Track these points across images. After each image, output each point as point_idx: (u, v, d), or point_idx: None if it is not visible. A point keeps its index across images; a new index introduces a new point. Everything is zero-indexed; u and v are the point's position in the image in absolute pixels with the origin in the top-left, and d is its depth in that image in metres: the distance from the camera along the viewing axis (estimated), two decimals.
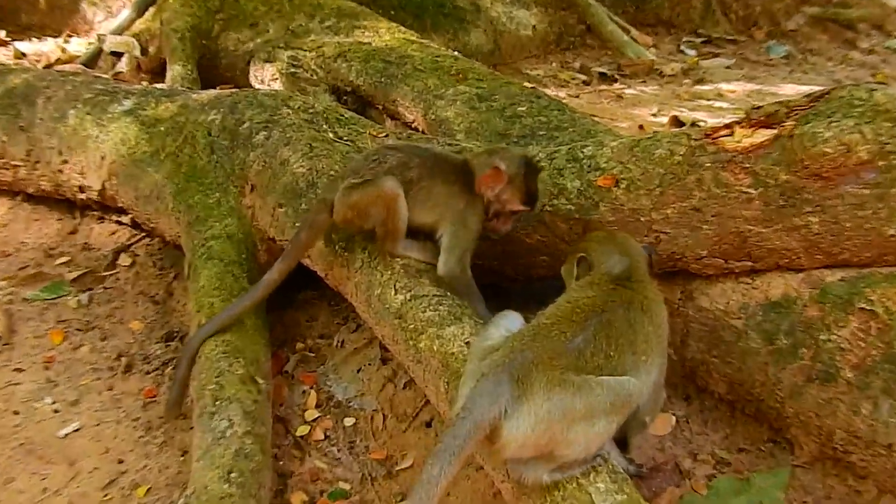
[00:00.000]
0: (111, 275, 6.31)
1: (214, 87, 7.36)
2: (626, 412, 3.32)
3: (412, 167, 4.43)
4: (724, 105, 9.67)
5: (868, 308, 4.08)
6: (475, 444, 3.26)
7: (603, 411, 3.24)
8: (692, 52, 11.89)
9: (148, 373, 5.41)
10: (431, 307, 4.18)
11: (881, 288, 4.12)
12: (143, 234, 6.49)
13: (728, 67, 11.46)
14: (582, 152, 4.80)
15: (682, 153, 4.44)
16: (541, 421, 3.18)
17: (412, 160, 4.45)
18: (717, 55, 11.91)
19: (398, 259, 4.45)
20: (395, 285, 4.35)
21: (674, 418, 4.60)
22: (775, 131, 4.25)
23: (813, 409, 4.18)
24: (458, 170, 4.47)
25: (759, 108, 4.39)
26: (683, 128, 7.16)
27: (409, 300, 4.25)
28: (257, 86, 7.92)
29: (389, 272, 4.41)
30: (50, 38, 10.09)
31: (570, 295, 3.68)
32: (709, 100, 9.99)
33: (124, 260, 6.40)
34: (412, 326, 4.17)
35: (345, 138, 5.43)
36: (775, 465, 4.34)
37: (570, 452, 3.26)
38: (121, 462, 4.76)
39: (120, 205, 6.28)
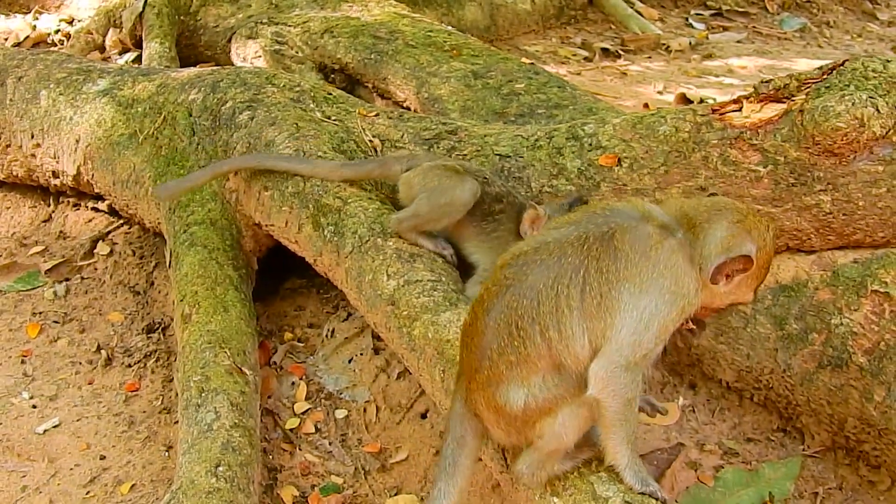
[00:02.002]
0: (89, 264, 6.38)
1: (194, 66, 7.42)
2: (586, 404, 3.30)
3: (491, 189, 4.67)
4: (735, 81, 9.74)
5: (882, 290, 4.18)
6: None
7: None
8: (701, 26, 11.96)
9: (129, 366, 5.49)
10: (426, 293, 4.27)
11: (895, 269, 4.22)
12: (122, 220, 6.55)
13: (739, 41, 11.52)
14: (582, 130, 4.89)
15: (687, 130, 4.53)
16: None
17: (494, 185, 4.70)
18: (727, 29, 11.98)
19: (390, 243, 4.53)
20: (387, 270, 4.43)
21: (680, 407, 4.69)
22: (785, 106, 4.34)
23: (824, 397, 4.28)
24: (515, 209, 4.63)
25: (768, 81, 4.48)
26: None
27: (402, 286, 4.34)
28: (240, 64, 7.96)
29: (381, 257, 4.49)
30: (18, 15, 10.13)
31: None
32: (718, 76, 10.06)
33: (102, 248, 6.45)
34: (405, 313, 4.25)
35: (333, 118, 5.49)
36: (785, 454, 4.44)
37: (543, 443, 3.37)
38: (103, 458, 4.85)
39: (97, 190, 6.34)
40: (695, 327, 3.55)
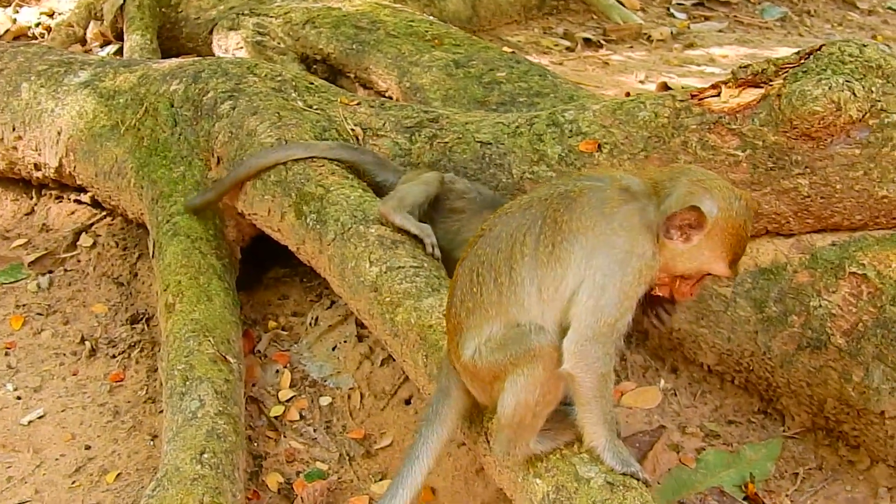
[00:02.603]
0: (72, 256, 6.40)
1: (176, 58, 7.41)
2: (538, 362, 3.32)
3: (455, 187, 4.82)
4: (716, 70, 9.78)
5: (860, 272, 4.24)
6: None
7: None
8: (682, 16, 11.99)
9: (114, 356, 5.52)
10: (408, 279, 4.30)
11: (873, 251, 4.28)
12: (105, 212, 6.57)
13: (720, 31, 11.56)
14: (563, 117, 4.93)
15: (666, 115, 4.58)
16: None
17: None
18: (708, 18, 12.01)
19: (372, 230, 4.56)
20: (369, 257, 4.46)
21: (661, 391, 4.75)
22: (763, 91, 4.39)
23: (804, 378, 4.34)
24: (477, 205, 4.78)
25: (746, 66, 4.53)
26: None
27: (385, 272, 4.37)
28: (221, 55, 7.96)
29: (364, 244, 4.52)
30: None
31: None
32: (699, 65, 10.10)
33: (85, 240, 6.47)
34: (388, 299, 4.28)
35: (315, 107, 5.52)
36: (766, 436, 4.50)
37: (503, 411, 3.40)
38: (88, 448, 4.89)
39: (79, 182, 6.35)
40: (667, 306, 3.58)
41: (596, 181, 3.38)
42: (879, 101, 4.19)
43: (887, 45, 10.74)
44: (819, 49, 4.37)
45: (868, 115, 4.19)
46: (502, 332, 3.32)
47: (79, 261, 6.37)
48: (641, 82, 9.24)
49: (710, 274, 3.37)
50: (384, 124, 5.36)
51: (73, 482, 4.67)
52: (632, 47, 10.77)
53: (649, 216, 3.28)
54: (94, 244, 6.45)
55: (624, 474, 3.36)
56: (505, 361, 3.32)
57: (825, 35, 11.63)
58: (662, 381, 4.82)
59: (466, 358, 3.40)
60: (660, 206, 3.28)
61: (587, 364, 3.25)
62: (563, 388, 3.39)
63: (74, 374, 5.41)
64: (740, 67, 4.54)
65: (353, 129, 5.33)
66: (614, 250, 3.25)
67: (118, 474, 4.71)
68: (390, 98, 6.68)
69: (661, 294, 3.44)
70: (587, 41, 10.69)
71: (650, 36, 11.00)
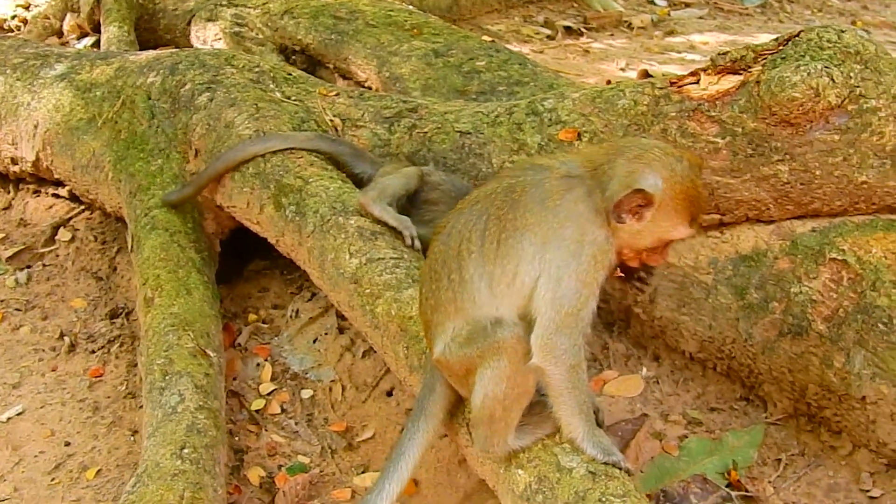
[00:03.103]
0: (50, 251, 6.37)
1: (153, 50, 7.38)
2: (502, 355, 3.33)
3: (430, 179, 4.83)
4: (697, 57, 9.80)
5: (840, 258, 4.24)
6: None
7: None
8: (662, 3, 12.01)
9: (93, 352, 5.50)
10: (388, 270, 4.29)
11: (853, 237, 4.29)
12: (83, 206, 6.54)
13: (701, 18, 11.59)
14: (542, 105, 4.92)
15: (646, 103, 4.58)
16: None
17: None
18: (688, 5, 12.04)
19: (352, 221, 4.55)
20: (349, 249, 4.44)
21: (644, 379, 4.75)
22: (742, 77, 4.39)
23: (785, 364, 4.34)
24: (450, 197, 4.77)
25: (725, 53, 4.53)
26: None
27: (365, 264, 4.35)
28: (199, 47, 7.93)
29: (343, 235, 4.50)
30: None
31: None
32: (680, 52, 10.12)
33: (63, 235, 6.45)
34: (368, 291, 4.27)
35: (293, 98, 5.51)
36: (748, 423, 4.50)
37: (476, 406, 3.42)
38: (68, 444, 4.86)
39: (56, 176, 6.33)
40: (643, 275, 3.57)
41: (536, 173, 3.37)
42: (858, 86, 4.19)
43: (866, 31, 10.76)
44: (797, 35, 4.37)
45: (847, 100, 4.19)
46: (468, 328, 3.34)
47: (57, 255, 6.34)
48: (622, 70, 9.26)
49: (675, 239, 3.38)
50: (363, 115, 5.34)
51: (53, 479, 4.65)
52: (612, 35, 10.78)
53: (595, 200, 3.28)
54: (73, 238, 6.42)
55: (606, 464, 3.36)
56: (473, 355, 3.34)
57: (805, 21, 11.67)
58: (645, 370, 4.82)
59: (438, 355, 3.45)
60: (603, 188, 3.27)
61: (555, 356, 3.27)
62: (534, 382, 3.39)
63: (53, 370, 5.38)
64: (719, 54, 4.54)
65: (331, 120, 5.31)
66: (565, 242, 3.26)
67: (98, 470, 4.68)
68: (370, 88, 6.67)
69: (632, 265, 3.45)
70: (568, 29, 10.71)
71: (631, 23, 11.03)
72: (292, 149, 5.05)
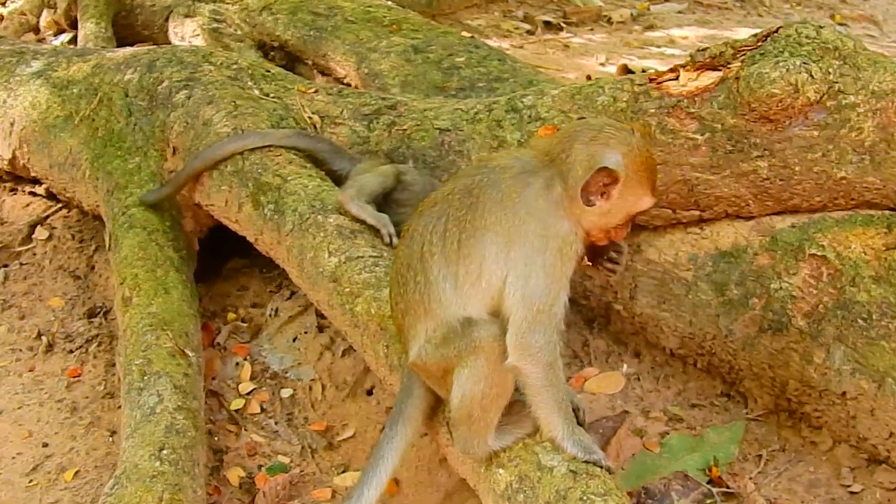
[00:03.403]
0: (27, 249, 6.32)
1: (131, 46, 7.34)
2: (479, 355, 3.32)
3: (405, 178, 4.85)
4: (677, 52, 9.80)
5: (819, 254, 4.24)
6: None
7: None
8: None
9: (71, 351, 5.46)
10: (367, 269, 4.27)
11: (832, 233, 4.28)
12: (60, 204, 6.50)
13: (680, 12, 11.59)
14: (521, 102, 4.91)
15: (625, 100, 4.57)
16: None
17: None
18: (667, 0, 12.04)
19: (331, 220, 4.52)
20: (328, 247, 4.42)
21: (624, 376, 4.75)
22: (721, 74, 4.39)
23: (766, 361, 4.34)
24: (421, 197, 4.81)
25: (704, 49, 4.52)
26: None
27: (344, 262, 4.33)
28: (177, 43, 7.90)
29: (322, 234, 4.48)
30: None
31: None
32: (660, 47, 10.12)
33: (41, 233, 6.40)
34: (348, 290, 4.25)
35: (271, 95, 5.48)
36: (729, 419, 4.50)
37: (455, 407, 3.41)
38: (45, 446, 4.83)
39: (33, 174, 6.28)
40: (613, 255, 3.55)
41: (491, 173, 3.37)
42: (837, 82, 4.19)
43: (845, 24, 10.82)
44: (776, 31, 4.37)
45: (826, 96, 4.18)
46: (441, 329, 3.34)
47: (34, 254, 6.30)
48: (602, 65, 9.26)
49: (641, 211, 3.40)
50: (342, 112, 5.32)
51: (31, 481, 4.62)
52: (592, 30, 10.78)
53: (554, 192, 3.29)
54: (50, 237, 6.38)
55: (587, 462, 3.35)
56: (450, 356, 3.34)
57: (784, 15, 11.69)
58: (625, 366, 4.82)
59: (413, 358, 3.44)
60: (563, 177, 3.28)
61: (531, 355, 3.26)
62: (512, 382, 3.39)
63: (31, 370, 5.35)
64: (698, 51, 4.53)
65: (310, 118, 5.29)
66: (528, 238, 3.26)
67: (76, 472, 4.66)
68: (349, 85, 6.66)
69: (601, 245, 3.45)
70: (547, 24, 10.70)
71: (610, 18, 11.03)
72: (271, 146, 5.02)
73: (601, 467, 3.36)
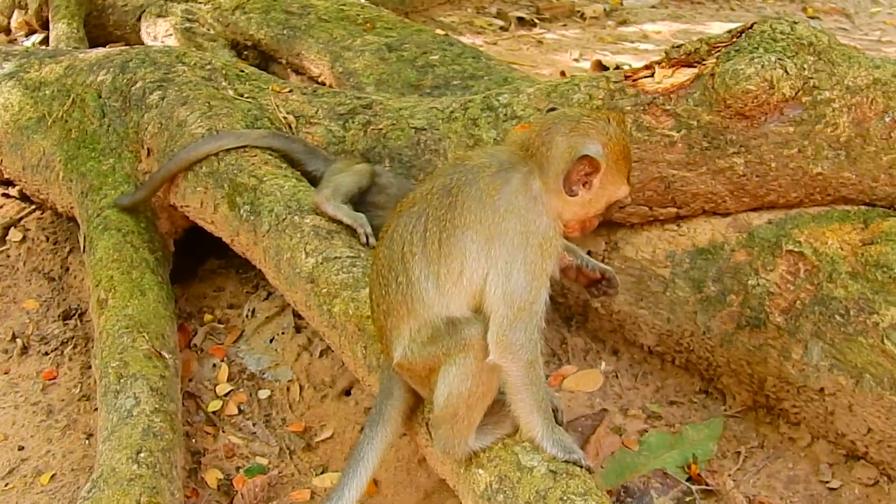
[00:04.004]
0: (1, 251, 6.26)
1: (103, 47, 7.29)
2: (469, 352, 3.31)
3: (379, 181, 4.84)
4: (650, 47, 9.82)
5: (796, 250, 4.24)
6: None
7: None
8: None
9: (46, 353, 5.41)
10: (345, 269, 4.24)
11: (809, 228, 4.29)
12: (34, 206, 6.44)
13: (653, 7, 11.61)
14: (497, 100, 4.89)
15: (601, 97, 4.55)
16: None
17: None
18: None
19: (307, 220, 4.50)
20: (305, 248, 4.39)
21: (603, 373, 4.74)
22: (696, 70, 4.38)
23: (743, 357, 4.34)
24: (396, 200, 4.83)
25: (679, 46, 4.51)
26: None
27: (321, 263, 4.30)
28: (150, 43, 7.86)
29: (299, 235, 4.45)
30: None
31: None
32: (633, 42, 10.13)
33: (14, 235, 6.34)
34: (325, 290, 4.22)
35: (246, 95, 5.44)
36: (707, 416, 4.50)
37: (438, 406, 3.40)
38: (21, 449, 4.78)
39: (6, 176, 6.23)
40: (605, 284, 3.58)
41: (469, 171, 3.35)
42: (812, 78, 4.19)
43: (817, 18, 10.86)
44: (751, 27, 4.36)
45: (801, 92, 4.19)
46: (428, 328, 3.32)
47: (8, 256, 6.24)
48: (576, 60, 9.26)
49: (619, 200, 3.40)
50: (317, 112, 5.29)
51: (7, 484, 4.57)
52: (565, 25, 10.79)
53: (533, 188, 3.28)
54: (24, 238, 6.33)
55: (566, 462, 3.34)
56: (438, 354, 3.32)
57: (756, 9, 11.72)
58: (603, 364, 4.82)
59: (399, 359, 3.42)
60: (543, 170, 3.28)
61: (512, 353, 3.25)
62: (497, 381, 3.37)
63: (6, 373, 5.30)
64: (673, 47, 4.52)
65: (285, 118, 5.26)
66: (509, 236, 3.25)
67: (53, 475, 4.61)
68: (323, 84, 6.62)
69: (575, 236, 3.47)
70: (521, 20, 10.70)
71: (583, 13, 11.04)
72: (246, 146, 4.99)
73: (581, 467, 3.35)
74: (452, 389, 3.32)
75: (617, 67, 8.05)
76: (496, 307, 3.25)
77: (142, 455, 4.03)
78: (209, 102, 5.30)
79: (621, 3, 11.56)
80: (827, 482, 4.14)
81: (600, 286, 3.71)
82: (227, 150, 4.97)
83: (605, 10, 11.20)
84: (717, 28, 10.36)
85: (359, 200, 4.65)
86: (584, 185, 3.26)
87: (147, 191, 5.20)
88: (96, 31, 8.41)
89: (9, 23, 8.84)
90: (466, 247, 3.26)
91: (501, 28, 10.49)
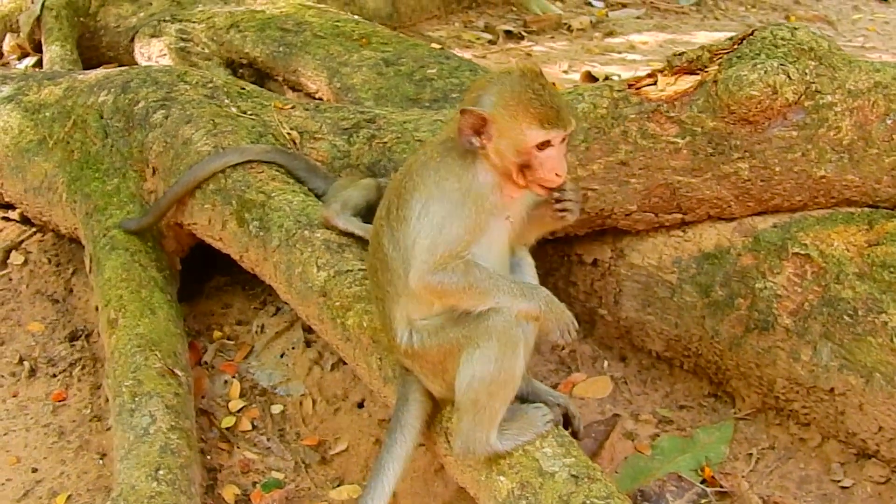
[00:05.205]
0: (3, 275, 6.25)
1: (97, 68, 7.28)
2: (493, 337, 3.37)
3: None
4: (637, 57, 9.88)
5: (802, 252, 4.28)
6: None
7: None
8: (600, 4, 12.11)
9: (54, 375, 5.41)
10: (357, 282, 4.26)
11: (814, 231, 4.33)
12: (35, 228, 6.42)
13: (638, 17, 11.68)
14: None
15: (605, 106, 4.59)
16: None
17: None
18: (625, 6, 12.13)
19: (318, 234, 4.51)
20: (316, 262, 4.41)
21: (612, 380, 4.77)
22: (699, 77, 4.42)
23: (752, 360, 4.37)
24: None
25: (681, 54, 4.55)
26: (603, 81, 7.33)
27: (333, 276, 4.33)
28: (144, 63, 7.85)
29: (310, 249, 4.47)
30: None
31: None
32: (620, 52, 10.19)
33: (16, 258, 6.33)
34: (338, 304, 4.25)
35: (249, 112, 5.45)
36: (718, 419, 4.53)
37: (459, 394, 3.46)
38: (35, 471, 4.77)
39: (7, 199, 6.22)
40: (557, 195, 3.51)
41: (423, 146, 3.65)
42: (813, 82, 4.24)
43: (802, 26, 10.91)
44: (751, 34, 4.42)
45: (803, 97, 4.24)
46: (425, 309, 3.49)
47: (10, 279, 6.22)
48: (565, 72, 9.30)
49: (543, 147, 3.34)
50: (321, 127, 5.31)
51: None
52: (553, 37, 10.84)
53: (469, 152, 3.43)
54: (26, 261, 6.31)
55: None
56: (457, 338, 3.41)
57: (740, 18, 11.81)
58: (612, 371, 4.84)
59: (404, 344, 3.54)
60: None
61: (433, 291, 3.42)
62: (520, 372, 3.44)
63: (15, 396, 5.29)
64: (675, 55, 4.56)
65: (289, 133, 5.28)
66: (447, 193, 3.39)
67: (69, 496, 4.60)
68: (321, 100, 6.64)
69: (537, 192, 3.45)
70: (508, 33, 10.75)
71: (570, 25, 11.10)
72: (251, 161, 5.00)
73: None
74: (475, 373, 3.38)
75: (606, 78, 8.13)
76: (418, 253, 3.38)
77: (161, 472, 4.05)
78: (213, 120, 5.31)
79: (607, 15, 11.64)
80: (839, 481, 4.17)
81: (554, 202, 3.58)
82: (234, 167, 4.98)
83: (591, 21, 11.26)
84: (703, 37, 10.44)
85: (366, 214, 4.67)
86: (481, 135, 3.35)
87: (153, 216, 5.20)
88: (89, 53, 8.41)
89: (1, 46, 8.83)
90: (412, 208, 3.42)
91: (490, 42, 10.53)
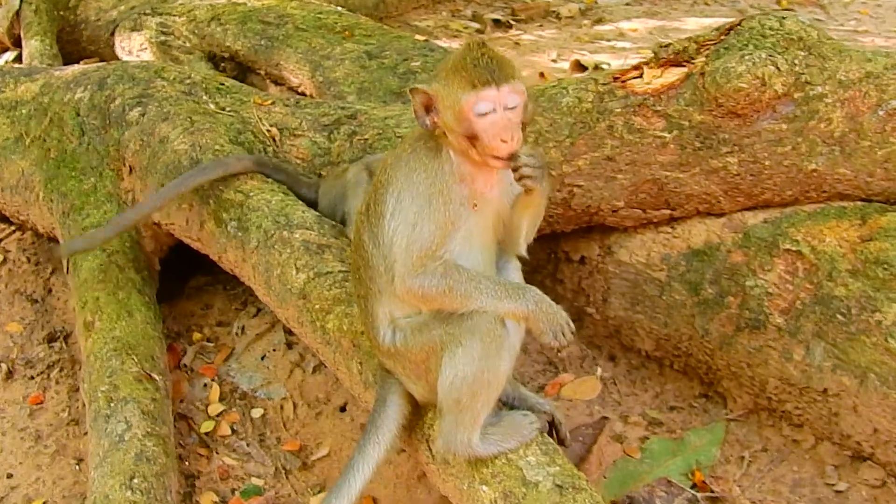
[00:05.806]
0: None
1: (78, 63, 7.17)
2: (476, 335, 3.29)
3: None
4: (627, 45, 9.76)
5: (794, 249, 4.17)
6: None
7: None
8: None
9: (32, 378, 5.29)
10: (337, 284, 4.15)
11: (805, 226, 4.22)
12: (14, 227, 6.31)
13: (628, 4, 11.55)
14: None
15: (590, 100, 4.47)
16: None
17: None
18: None
19: (297, 235, 4.40)
20: (295, 264, 4.30)
21: (601, 380, 4.67)
22: (686, 69, 4.31)
23: (744, 359, 4.27)
24: None
25: (667, 45, 4.43)
26: (588, 72, 7.22)
27: (313, 278, 4.21)
28: (125, 58, 7.74)
29: (289, 250, 4.35)
30: None
31: None
32: (610, 40, 10.06)
33: None
34: (318, 306, 4.13)
35: (227, 109, 5.33)
36: (709, 420, 4.43)
37: (441, 394, 3.37)
38: (10, 476, 4.67)
39: None
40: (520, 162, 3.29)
41: (400, 142, 3.60)
42: (803, 73, 4.12)
43: (792, 10, 10.83)
44: (739, 24, 4.30)
45: (793, 88, 4.12)
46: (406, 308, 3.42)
47: None
48: (554, 61, 9.18)
49: (485, 114, 3.17)
50: (301, 123, 5.19)
51: None
52: (541, 26, 10.72)
53: (440, 142, 3.35)
54: (5, 260, 6.20)
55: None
56: (440, 335, 3.33)
57: (730, 3, 11.68)
58: (600, 370, 4.74)
59: (387, 343, 3.46)
60: None
61: (417, 297, 3.35)
62: (504, 372, 3.36)
63: None
64: (661, 46, 4.44)
65: (269, 130, 5.16)
66: (418, 188, 3.31)
67: (44, 502, 4.50)
68: (303, 94, 6.53)
69: (495, 165, 3.26)
70: (496, 22, 10.64)
71: (559, 13, 10.98)
72: (234, 175, 4.85)
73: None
74: (458, 372, 3.29)
75: (596, 67, 8.02)
76: (399, 256, 3.30)
77: (135, 481, 3.96)
78: (191, 117, 5.18)
79: (596, 2, 11.50)
80: (833, 485, 4.07)
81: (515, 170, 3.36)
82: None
83: (580, 9, 11.13)
84: (694, 24, 10.34)
85: None
86: (434, 114, 3.28)
87: (111, 232, 4.99)
88: (70, 47, 8.28)
89: None
90: (387, 203, 3.36)
91: (477, 31, 10.41)
